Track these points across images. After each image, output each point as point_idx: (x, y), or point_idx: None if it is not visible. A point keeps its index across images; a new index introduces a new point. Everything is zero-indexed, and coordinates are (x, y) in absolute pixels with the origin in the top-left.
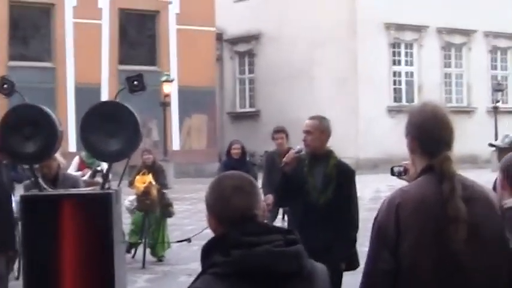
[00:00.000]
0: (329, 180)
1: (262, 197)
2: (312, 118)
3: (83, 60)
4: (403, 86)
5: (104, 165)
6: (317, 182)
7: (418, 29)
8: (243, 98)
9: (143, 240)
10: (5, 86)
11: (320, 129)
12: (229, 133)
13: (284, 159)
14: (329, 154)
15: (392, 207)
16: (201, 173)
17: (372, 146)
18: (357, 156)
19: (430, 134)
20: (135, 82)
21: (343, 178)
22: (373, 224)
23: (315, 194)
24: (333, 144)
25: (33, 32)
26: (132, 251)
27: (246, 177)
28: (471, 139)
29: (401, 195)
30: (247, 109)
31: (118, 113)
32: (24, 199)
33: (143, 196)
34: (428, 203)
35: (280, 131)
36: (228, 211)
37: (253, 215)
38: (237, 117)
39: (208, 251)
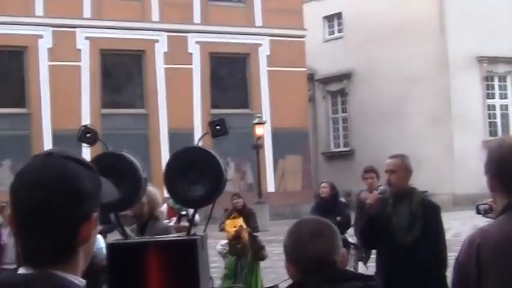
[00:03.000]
0: (415, 218)
1: (341, 242)
2: (393, 157)
3: (176, 105)
4: (498, 120)
5: (190, 210)
6: (402, 220)
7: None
8: (337, 138)
9: (236, 285)
10: (88, 135)
11: (403, 167)
12: (324, 173)
13: (368, 200)
14: (412, 192)
15: (473, 247)
16: (297, 214)
17: (469, 181)
18: (453, 192)
19: (509, 171)
20: (218, 126)
21: (430, 215)
22: (455, 265)
23: (401, 233)
24: (427, 181)
25: (125, 79)
26: None
27: (324, 222)
28: None
29: (482, 234)
30: (342, 148)
31: (202, 158)
32: (110, 247)
33: (234, 240)
34: (510, 242)
35: (370, 171)
36: (306, 257)
37: (332, 261)
38: (332, 156)
39: None
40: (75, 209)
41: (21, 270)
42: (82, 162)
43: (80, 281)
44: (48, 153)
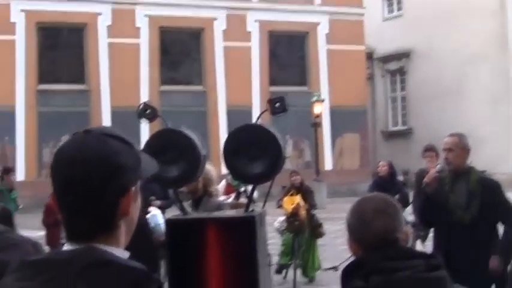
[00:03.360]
0: (473, 196)
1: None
2: (451, 135)
3: (234, 83)
4: None
5: (249, 187)
6: (460, 199)
7: None
8: (395, 116)
9: (294, 261)
10: (148, 111)
11: (460, 146)
12: (382, 152)
13: (425, 179)
14: (470, 170)
15: None
16: (354, 192)
17: None
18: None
19: None
20: (277, 104)
21: (489, 192)
22: None
23: (459, 212)
24: (486, 160)
25: (183, 56)
26: (283, 271)
27: (388, 200)
28: None
29: None
30: (400, 127)
31: (261, 135)
32: (169, 223)
33: (292, 217)
34: None
35: (429, 150)
36: (369, 235)
37: (394, 239)
38: (390, 135)
39: (347, 276)
40: (114, 183)
41: (65, 247)
42: (120, 138)
43: (123, 253)
44: (87, 131)
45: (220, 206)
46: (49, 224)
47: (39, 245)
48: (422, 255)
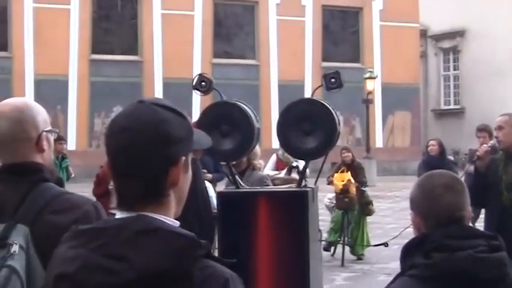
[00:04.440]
0: None
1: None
2: (503, 115)
3: (286, 57)
4: None
5: (300, 162)
6: (511, 180)
7: None
8: (448, 95)
9: (343, 239)
10: (203, 83)
11: (511, 124)
12: (433, 131)
13: (477, 152)
14: None
15: None
16: (404, 171)
17: None
18: None
19: None
20: (332, 79)
21: None
22: None
23: (506, 193)
24: None
25: (237, 29)
26: (332, 249)
27: (456, 177)
28: None
29: None
30: (452, 106)
31: (315, 110)
32: (221, 196)
33: (342, 194)
34: None
35: (483, 130)
36: (437, 210)
37: (460, 217)
38: (441, 114)
39: (408, 252)
40: (163, 152)
41: (116, 215)
42: (172, 109)
43: (173, 221)
44: (140, 101)
45: (263, 179)
46: (99, 194)
47: (99, 205)
48: (485, 235)
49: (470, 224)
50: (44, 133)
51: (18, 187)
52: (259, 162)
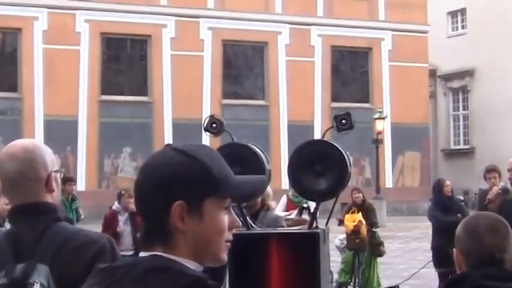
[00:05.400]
0: None
1: None
2: None
3: (296, 97)
4: None
5: (311, 203)
6: None
7: None
8: (457, 135)
9: (353, 280)
10: (214, 125)
11: None
12: (443, 170)
13: (488, 196)
14: None
15: None
16: (414, 211)
17: None
18: None
19: None
20: (343, 121)
21: None
22: None
23: None
24: None
25: (246, 70)
26: None
27: (501, 220)
28: None
29: None
30: (461, 146)
31: (327, 151)
32: (233, 237)
33: (353, 235)
34: None
35: (492, 170)
36: (478, 250)
37: (501, 259)
38: (451, 154)
39: None
40: (158, 195)
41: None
42: (186, 153)
43: (191, 263)
44: (166, 145)
45: (277, 220)
46: None
47: (113, 240)
48: None
49: None
50: (53, 173)
51: (34, 227)
52: (272, 202)
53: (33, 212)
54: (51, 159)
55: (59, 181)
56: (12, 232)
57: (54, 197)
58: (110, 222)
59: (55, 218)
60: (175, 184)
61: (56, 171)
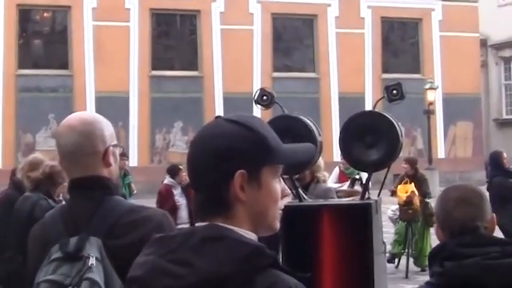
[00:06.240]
0: None
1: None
2: None
3: (346, 69)
4: None
5: (363, 174)
6: None
7: None
8: (509, 105)
9: (407, 251)
10: (265, 97)
11: None
12: (495, 140)
13: None
14: None
15: None
16: (467, 181)
17: None
18: None
19: None
20: (394, 91)
21: None
22: None
23: None
24: None
25: (296, 43)
26: (396, 261)
27: (472, 189)
28: None
29: None
30: None
31: (377, 122)
32: (285, 209)
33: (405, 206)
34: None
35: None
36: (450, 222)
37: (474, 227)
38: (503, 124)
39: (430, 261)
40: (217, 165)
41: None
42: (241, 123)
43: (247, 233)
44: (216, 117)
45: (327, 192)
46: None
47: (168, 215)
48: (501, 242)
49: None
50: (111, 148)
51: (89, 201)
52: (323, 174)
53: (88, 186)
54: (110, 133)
55: (117, 156)
56: (68, 206)
57: (112, 171)
58: (166, 197)
59: (110, 192)
60: (235, 154)
61: (114, 146)
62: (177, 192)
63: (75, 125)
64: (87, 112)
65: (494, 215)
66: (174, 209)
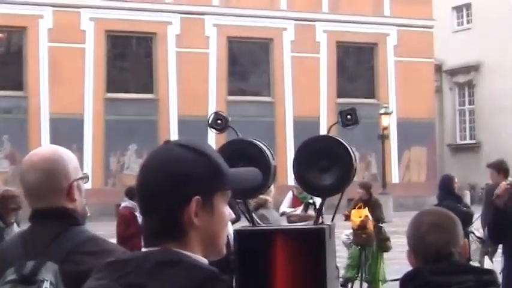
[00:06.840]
0: None
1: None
2: None
3: (302, 94)
4: None
5: (317, 199)
6: None
7: None
8: (463, 130)
9: (360, 275)
10: (219, 121)
11: None
12: (449, 165)
13: (496, 191)
14: None
15: None
16: (421, 206)
17: None
18: None
19: None
20: (348, 116)
21: None
22: None
23: None
24: None
25: (251, 66)
26: (349, 285)
27: (445, 214)
28: None
29: None
30: (468, 141)
31: (332, 147)
32: (238, 233)
33: (359, 230)
34: None
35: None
36: (423, 248)
37: (449, 253)
38: (457, 149)
39: (402, 287)
40: (171, 190)
41: (143, 249)
42: (193, 149)
43: (199, 257)
44: (165, 141)
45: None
46: (129, 235)
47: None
48: (475, 270)
49: (487, 259)
50: (75, 182)
51: (51, 227)
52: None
53: (52, 216)
54: (73, 166)
55: (83, 188)
56: (29, 231)
57: (76, 205)
58: (129, 220)
59: (76, 222)
60: (192, 180)
61: (79, 179)
62: (139, 215)
63: (37, 162)
64: (50, 147)
65: (466, 240)
66: (138, 233)
